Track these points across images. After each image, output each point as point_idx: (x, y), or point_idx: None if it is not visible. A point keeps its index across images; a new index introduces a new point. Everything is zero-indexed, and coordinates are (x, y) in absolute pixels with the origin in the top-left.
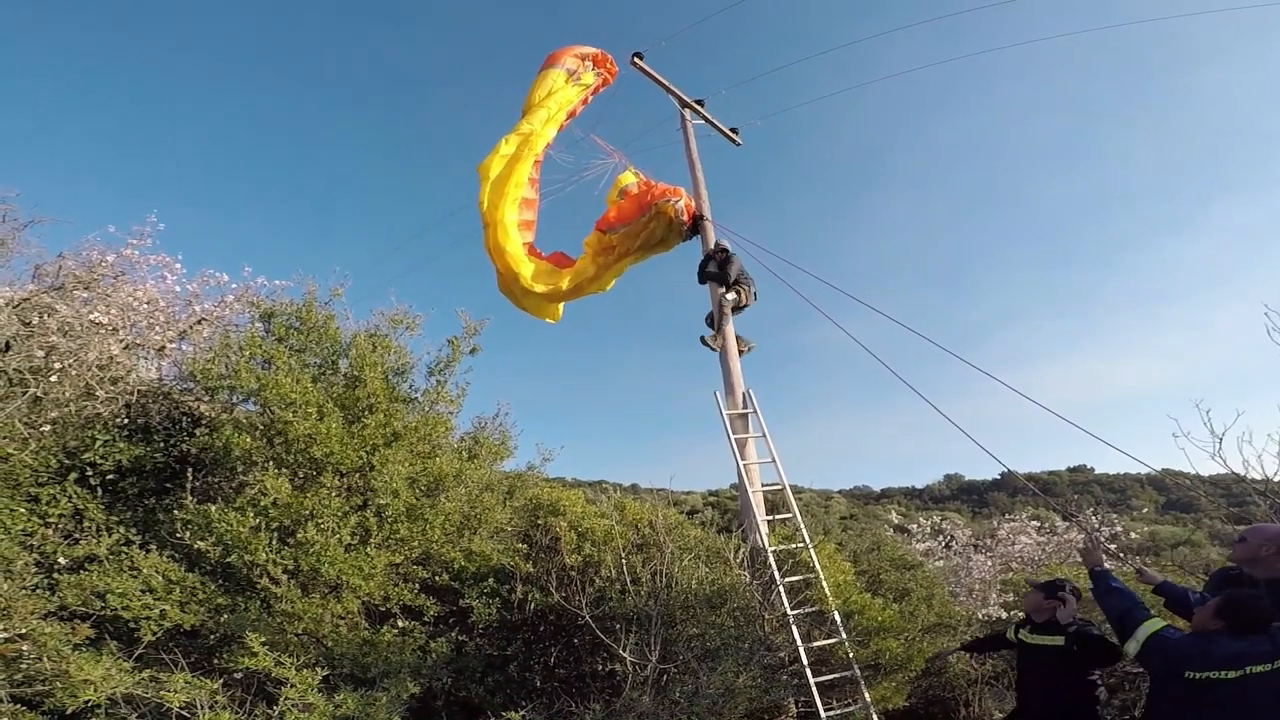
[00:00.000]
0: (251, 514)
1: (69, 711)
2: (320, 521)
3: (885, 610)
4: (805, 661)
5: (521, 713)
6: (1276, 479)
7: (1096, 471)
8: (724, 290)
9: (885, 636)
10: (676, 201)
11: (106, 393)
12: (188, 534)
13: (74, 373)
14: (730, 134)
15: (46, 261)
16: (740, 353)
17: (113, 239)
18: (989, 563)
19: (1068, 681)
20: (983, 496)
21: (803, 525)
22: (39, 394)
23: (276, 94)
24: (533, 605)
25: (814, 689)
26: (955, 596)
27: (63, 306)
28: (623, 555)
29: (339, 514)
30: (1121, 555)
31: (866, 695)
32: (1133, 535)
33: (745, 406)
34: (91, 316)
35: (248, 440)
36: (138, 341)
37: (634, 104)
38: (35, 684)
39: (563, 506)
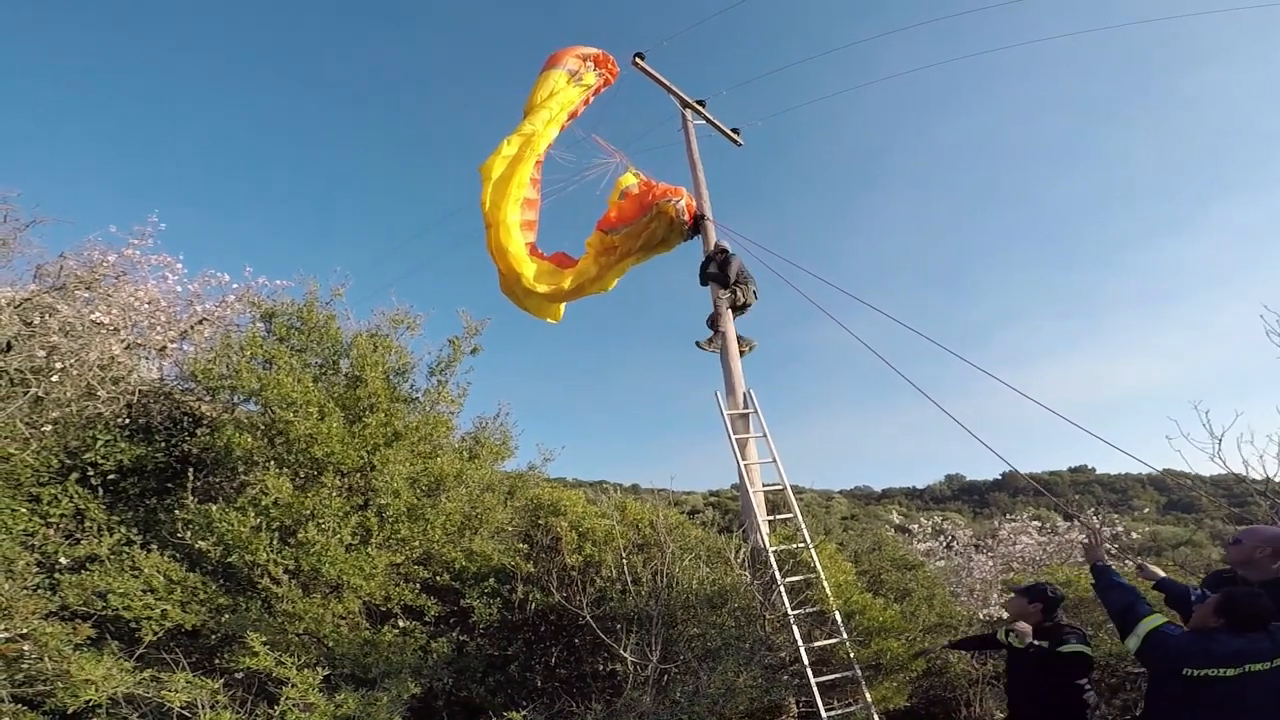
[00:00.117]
0: (252, 514)
1: (70, 711)
2: (321, 521)
3: (886, 610)
4: (806, 661)
5: (523, 713)
6: (1277, 479)
7: (1098, 472)
8: (724, 291)
9: (886, 636)
10: (678, 201)
11: (108, 393)
12: (189, 534)
13: (75, 373)
14: (731, 134)
15: (48, 261)
16: (741, 353)
17: (114, 239)
18: (990, 563)
19: (1052, 685)
20: (984, 497)
21: (803, 525)
22: (40, 394)
23: (276, 94)
24: (534, 605)
25: (815, 689)
26: (956, 597)
27: (64, 306)
28: (623, 555)
29: (340, 514)
30: (1120, 555)
31: (867, 695)
32: (1134, 535)
33: (746, 406)
34: (93, 316)
35: (249, 440)
36: (139, 341)
37: (635, 104)
38: (36, 684)
39: (563, 506)
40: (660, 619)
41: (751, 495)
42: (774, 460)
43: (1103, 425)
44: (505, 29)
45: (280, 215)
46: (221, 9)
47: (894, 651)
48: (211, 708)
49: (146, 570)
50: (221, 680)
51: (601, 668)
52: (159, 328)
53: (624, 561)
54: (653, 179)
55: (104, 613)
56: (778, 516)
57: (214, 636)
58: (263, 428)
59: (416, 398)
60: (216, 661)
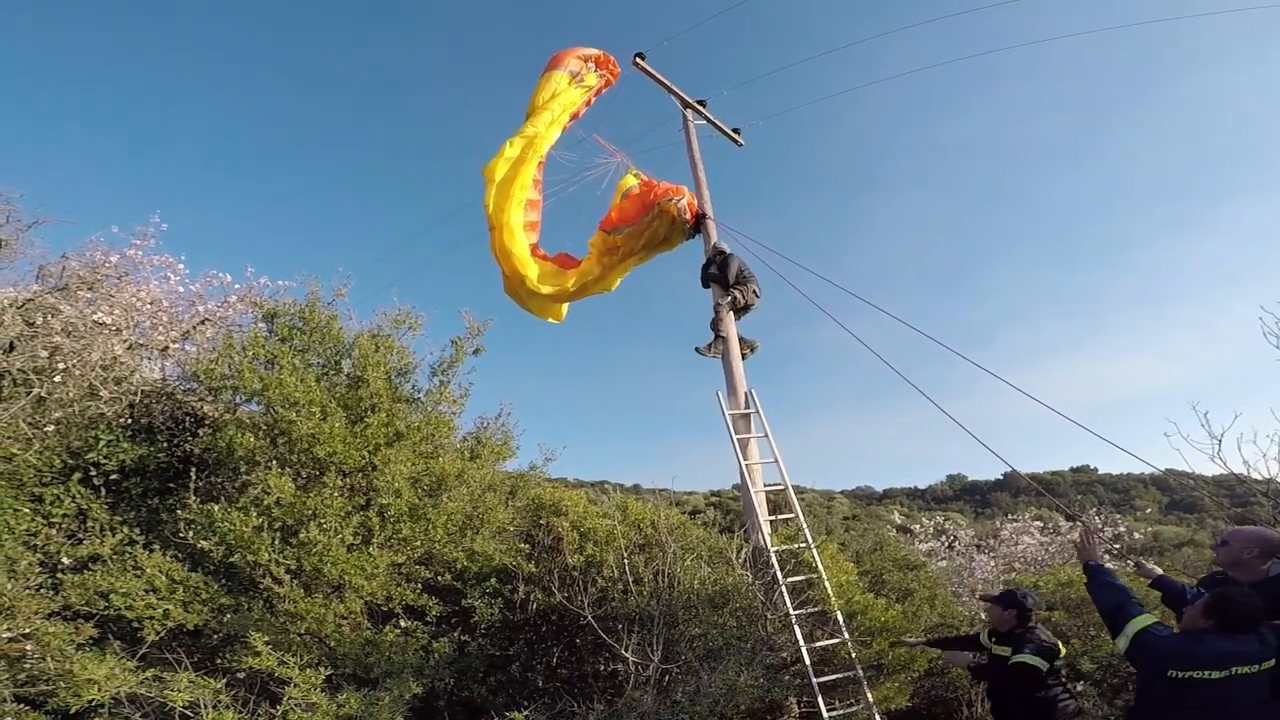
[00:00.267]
0: (254, 514)
1: (73, 711)
2: (323, 521)
3: (888, 610)
4: (808, 661)
5: (524, 713)
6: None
7: (1100, 472)
8: (725, 293)
9: (888, 636)
10: (679, 200)
11: (110, 393)
12: (191, 534)
13: (78, 373)
14: (732, 134)
15: (50, 262)
16: (744, 355)
17: (116, 239)
18: (992, 563)
19: (1020, 693)
20: (985, 497)
21: (805, 525)
22: (43, 394)
23: (277, 94)
24: (535, 605)
25: (816, 689)
26: (958, 597)
27: (66, 307)
28: (625, 555)
29: (342, 514)
30: (1122, 556)
31: (869, 695)
32: (1136, 535)
33: (747, 407)
34: (95, 317)
35: (251, 440)
36: (141, 342)
37: (636, 104)
38: (39, 683)
39: (565, 506)
40: (662, 619)
41: (753, 495)
42: (775, 460)
43: (1106, 425)
44: (505, 29)
45: (282, 215)
46: (222, 9)
47: (896, 651)
48: (214, 707)
49: (149, 570)
50: (224, 680)
51: (603, 668)
52: (161, 328)
53: (625, 561)
54: (654, 179)
55: (106, 613)
56: (779, 516)
57: (216, 636)
58: (265, 428)
59: (418, 398)
60: (219, 661)
